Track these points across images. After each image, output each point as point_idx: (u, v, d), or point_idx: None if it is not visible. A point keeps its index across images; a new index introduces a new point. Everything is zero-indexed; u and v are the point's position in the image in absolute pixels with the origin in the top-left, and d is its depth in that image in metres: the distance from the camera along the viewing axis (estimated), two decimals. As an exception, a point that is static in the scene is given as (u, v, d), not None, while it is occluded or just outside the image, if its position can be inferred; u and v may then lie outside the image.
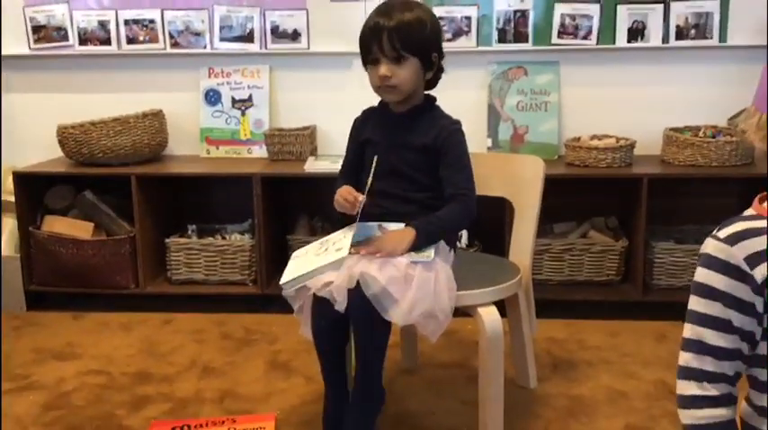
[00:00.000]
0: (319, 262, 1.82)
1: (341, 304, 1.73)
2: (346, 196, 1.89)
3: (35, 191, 3.06)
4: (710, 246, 1.19)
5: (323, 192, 3.08)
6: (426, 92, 1.99)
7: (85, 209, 3.06)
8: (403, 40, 1.83)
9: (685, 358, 1.21)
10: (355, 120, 2.08)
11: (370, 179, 1.85)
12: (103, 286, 3.00)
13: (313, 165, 2.96)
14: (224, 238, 3.08)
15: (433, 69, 1.93)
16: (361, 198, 1.86)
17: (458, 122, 1.98)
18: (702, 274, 1.20)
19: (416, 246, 1.80)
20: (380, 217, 1.93)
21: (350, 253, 1.79)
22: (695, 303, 1.21)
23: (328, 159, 3.02)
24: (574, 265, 2.90)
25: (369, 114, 2.06)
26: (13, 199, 3.03)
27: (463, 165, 1.93)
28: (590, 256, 2.89)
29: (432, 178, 1.92)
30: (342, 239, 1.87)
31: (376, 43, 1.84)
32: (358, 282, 1.71)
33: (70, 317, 2.97)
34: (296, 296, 1.89)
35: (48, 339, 2.75)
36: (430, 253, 1.79)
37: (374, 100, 2.03)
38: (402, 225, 1.86)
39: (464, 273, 1.90)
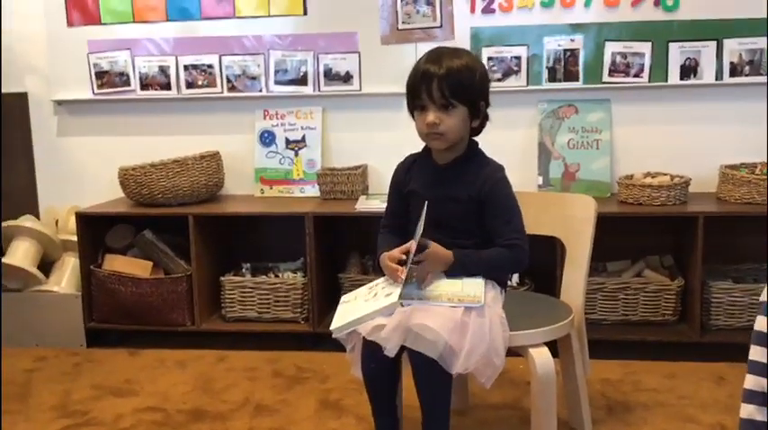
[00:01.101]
0: (369, 308, 1.83)
1: (391, 350, 1.74)
2: (391, 268, 1.88)
3: (97, 230, 3.16)
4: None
5: (374, 231, 3.12)
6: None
7: (144, 248, 3.15)
8: (452, 88, 1.85)
9: (748, 411, 1.18)
10: (397, 169, 2.08)
11: (419, 232, 1.84)
12: (160, 323, 3.07)
13: (364, 204, 3.00)
14: (277, 276, 3.13)
15: (479, 117, 1.94)
16: (402, 269, 1.85)
17: (501, 169, 1.98)
18: (763, 323, 1.17)
19: (449, 272, 1.85)
20: None
21: (400, 303, 1.79)
22: (756, 353, 1.18)
23: (379, 198, 3.05)
24: (628, 305, 2.86)
25: (412, 163, 2.05)
26: (75, 238, 3.14)
27: (511, 215, 1.93)
28: (645, 296, 2.84)
29: (479, 226, 1.93)
30: (390, 285, 1.89)
31: (425, 90, 1.86)
32: (414, 336, 1.72)
33: (128, 353, 3.04)
34: (348, 337, 1.91)
35: (106, 376, 2.82)
36: (480, 297, 1.79)
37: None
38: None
39: (515, 314, 1.90)
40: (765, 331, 1.16)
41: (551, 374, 1.88)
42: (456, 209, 1.92)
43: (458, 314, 1.74)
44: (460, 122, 1.90)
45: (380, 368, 1.84)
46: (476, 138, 2.01)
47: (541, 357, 1.88)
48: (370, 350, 1.83)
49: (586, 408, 2.24)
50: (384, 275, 1.96)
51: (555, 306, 2.12)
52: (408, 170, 2.05)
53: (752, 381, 1.18)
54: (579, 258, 2.12)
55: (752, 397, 1.17)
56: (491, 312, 1.80)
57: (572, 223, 2.16)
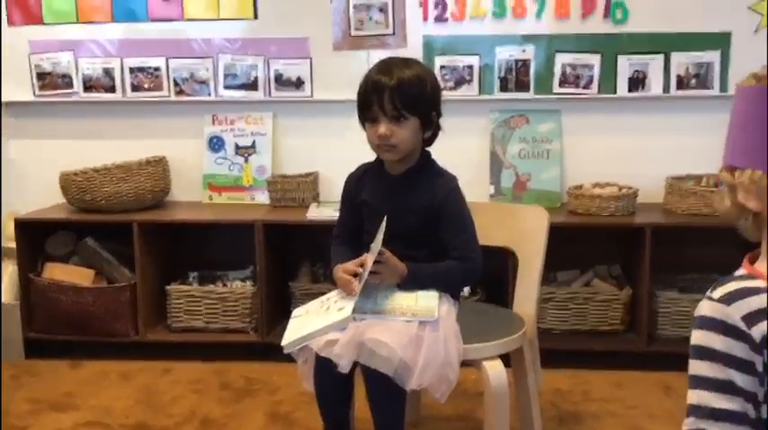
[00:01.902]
0: (321, 322, 1.80)
1: (345, 366, 1.70)
2: (345, 280, 1.86)
3: (36, 237, 3.05)
4: (706, 308, 1.17)
5: (325, 240, 3.07)
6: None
7: (87, 256, 3.05)
8: (404, 100, 1.82)
9: (690, 421, 1.19)
10: (349, 179, 2.05)
11: (377, 246, 1.80)
12: (103, 334, 2.97)
13: (315, 213, 2.96)
14: (225, 285, 3.06)
15: (431, 128, 1.92)
16: (356, 282, 1.83)
17: (454, 180, 1.97)
18: (700, 337, 1.18)
19: (402, 285, 1.83)
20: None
21: (353, 317, 1.76)
22: (696, 367, 1.18)
23: (331, 206, 3.01)
24: (578, 314, 2.88)
25: (363, 173, 2.03)
26: (14, 245, 3.02)
27: (464, 226, 1.92)
28: (594, 305, 2.87)
29: (432, 237, 1.91)
30: (343, 298, 1.85)
31: (376, 101, 1.83)
32: (368, 352, 1.68)
33: (68, 365, 2.94)
34: (300, 351, 1.86)
35: (45, 389, 2.72)
36: (434, 310, 1.77)
37: (376, 147, 2.02)
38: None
39: (469, 326, 1.89)
40: (703, 345, 1.16)
41: (504, 387, 1.87)
42: (409, 220, 1.90)
43: (412, 329, 1.72)
44: (412, 134, 1.87)
45: (333, 383, 1.81)
46: (429, 148, 1.99)
47: (495, 370, 1.86)
48: (323, 365, 1.79)
49: (538, 420, 2.23)
50: (337, 288, 1.93)
51: (508, 317, 2.12)
52: (360, 180, 2.03)
53: (694, 396, 1.18)
54: (532, 269, 2.12)
55: (695, 411, 1.17)
56: (445, 325, 1.78)
57: (524, 234, 2.16)
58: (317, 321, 1.84)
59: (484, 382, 1.88)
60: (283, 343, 1.85)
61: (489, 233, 2.14)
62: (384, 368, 1.67)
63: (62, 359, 2.98)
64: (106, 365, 2.92)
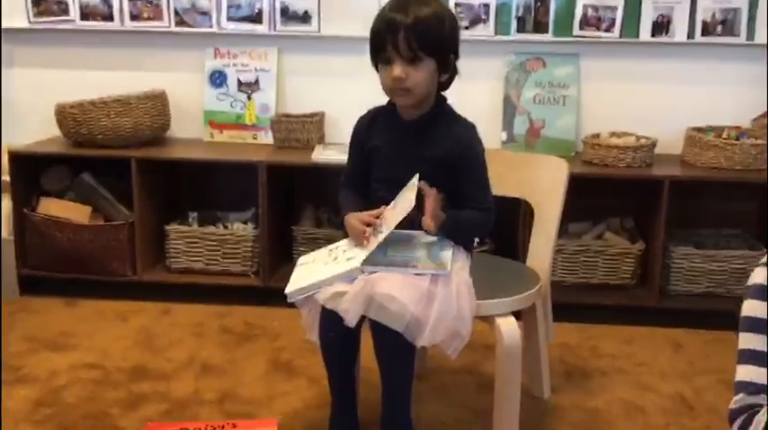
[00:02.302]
0: (328, 272, 1.71)
1: (351, 320, 1.63)
2: (358, 230, 1.77)
3: (31, 171, 2.94)
4: (759, 276, 1.09)
5: (330, 183, 2.98)
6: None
7: (83, 191, 2.95)
8: (420, 40, 1.69)
9: (740, 398, 1.11)
10: (359, 123, 1.93)
11: (406, 203, 1.70)
12: (100, 272, 2.90)
13: (321, 154, 2.85)
14: (226, 227, 2.97)
15: (448, 71, 1.79)
16: (370, 232, 1.75)
17: (473, 128, 1.85)
18: (751, 307, 1.09)
19: (435, 232, 1.74)
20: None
21: (361, 268, 1.67)
22: (746, 340, 1.10)
23: (336, 148, 2.90)
24: (588, 267, 2.80)
25: (374, 117, 1.90)
26: (8, 178, 2.91)
27: (484, 178, 1.82)
28: (605, 259, 2.79)
29: (446, 190, 1.79)
30: (353, 248, 1.76)
31: (391, 42, 1.70)
32: (378, 306, 1.60)
33: (64, 303, 2.86)
34: (304, 301, 1.78)
35: (41, 327, 2.65)
36: (447, 264, 1.68)
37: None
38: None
39: (481, 280, 1.80)
40: (754, 316, 1.08)
41: (518, 345, 1.80)
42: (423, 169, 1.78)
43: (424, 283, 1.64)
44: (428, 76, 1.75)
45: (339, 337, 1.73)
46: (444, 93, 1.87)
47: (508, 327, 1.79)
48: (329, 318, 1.71)
49: (547, 376, 2.19)
50: (346, 236, 1.84)
51: (521, 272, 2.04)
52: (370, 125, 1.91)
53: (743, 372, 1.10)
54: (548, 223, 2.03)
55: (744, 387, 1.09)
56: (458, 280, 1.69)
57: (542, 186, 2.07)
58: (323, 270, 1.76)
59: (496, 339, 1.80)
60: (287, 290, 1.77)
61: (504, 182, 2.04)
62: (394, 324, 1.59)
63: (58, 297, 2.91)
64: (103, 305, 2.85)
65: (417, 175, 1.72)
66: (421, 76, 1.73)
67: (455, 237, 1.78)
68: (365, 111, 1.95)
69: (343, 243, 1.85)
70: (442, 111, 1.85)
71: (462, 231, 1.78)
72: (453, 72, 1.82)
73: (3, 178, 2.98)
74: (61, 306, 2.85)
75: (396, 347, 1.63)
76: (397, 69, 1.72)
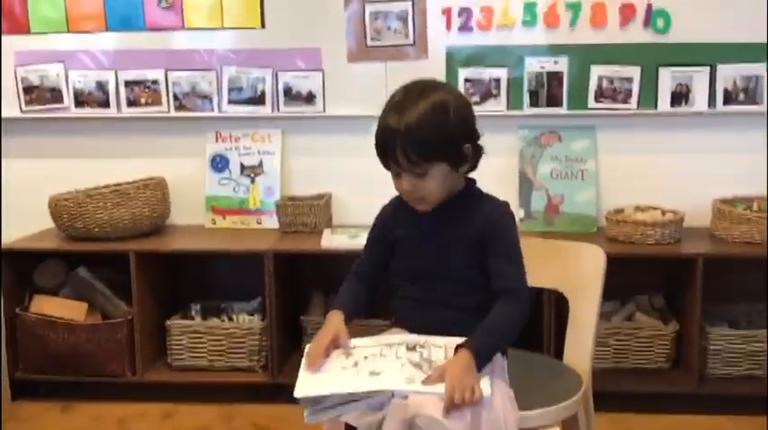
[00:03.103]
0: (349, 383, 1.52)
1: None
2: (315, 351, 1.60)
3: (23, 267, 2.78)
4: None
5: (340, 269, 2.79)
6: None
7: (79, 287, 2.78)
8: (420, 151, 1.53)
9: None
10: (383, 212, 1.77)
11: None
12: (97, 374, 2.71)
13: (330, 241, 2.70)
14: (231, 319, 2.80)
15: (466, 163, 1.62)
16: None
17: (505, 205, 1.70)
18: None
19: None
20: (421, 326, 1.66)
21: (392, 392, 1.49)
22: None
23: (346, 233, 2.76)
24: (619, 352, 2.63)
25: (398, 207, 1.73)
26: (-2, 275, 2.75)
27: (515, 256, 1.64)
28: (637, 342, 2.62)
29: (483, 276, 1.63)
30: (377, 357, 1.58)
31: (390, 157, 1.55)
32: (416, 425, 1.42)
33: (60, 409, 2.67)
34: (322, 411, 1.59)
35: (34, 440, 2.45)
36: (486, 386, 1.49)
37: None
38: (453, 340, 1.57)
39: (519, 385, 1.62)
40: None
41: (565, 460, 1.62)
42: (453, 254, 1.63)
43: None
44: (441, 182, 1.59)
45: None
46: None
47: (555, 441, 1.62)
48: (354, 432, 1.53)
49: (590, 484, 1.98)
50: (357, 336, 1.66)
51: (560, 373, 1.86)
52: (395, 214, 1.75)
53: None
54: (586, 317, 1.87)
55: None
56: (500, 393, 1.52)
57: (578, 277, 1.91)
58: (342, 379, 1.56)
59: (541, 455, 1.63)
60: (297, 393, 1.56)
61: (537, 272, 1.87)
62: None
63: (52, 401, 2.71)
64: (101, 409, 2.66)
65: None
66: (431, 185, 1.59)
67: (496, 352, 1.59)
68: (373, 192, 1.79)
69: (363, 343, 1.66)
70: (471, 193, 1.70)
71: (504, 340, 1.60)
72: (475, 158, 1.67)
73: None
74: (56, 412, 2.65)
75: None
76: (405, 183, 1.59)
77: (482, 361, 1.50)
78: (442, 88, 1.61)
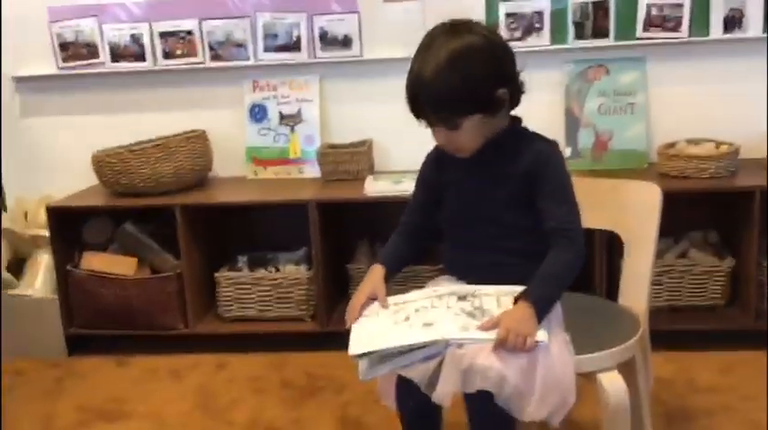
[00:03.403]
0: (404, 337, 1.49)
1: (445, 399, 1.42)
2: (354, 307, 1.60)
3: (71, 224, 2.80)
4: None
5: (385, 216, 2.76)
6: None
7: (127, 243, 2.80)
8: (446, 106, 1.47)
9: None
10: (428, 158, 1.72)
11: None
12: (149, 327, 2.74)
13: (373, 187, 2.66)
14: (277, 270, 2.80)
15: (503, 106, 1.54)
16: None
17: (555, 144, 1.63)
18: None
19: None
20: (468, 273, 1.63)
21: (446, 341, 1.46)
22: None
23: (389, 178, 2.72)
24: (673, 289, 2.57)
25: (442, 151, 1.66)
26: (46, 233, 2.78)
27: (566, 196, 1.58)
28: (692, 279, 2.56)
29: (531, 218, 1.58)
30: (428, 309, 1.55)
31: (419, 113, 1.51)
32: (477, 379, 1.40)
33: (115, 363, 2.72)
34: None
35: (92, 393, 2.50)
36: (544, 333, 1.46)
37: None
38: (503, 288, 1.54)
39: (575, 328, 1.58)
40: None
41: (625, 403, 1.59)
42: (500, 194, 1.58)
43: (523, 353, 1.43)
44: (475, 131, 1.53)
45: (421, 406, 1.53)
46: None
47: (614, 385, 1.58)
48: (408, 385, 1.52)
49: (648, 424, 1.95)
50: (413, 287, 1.64)
51: (617, 315, 1.82)
52: (439, 159, 1.70)
53: None
54: (642, 258, 1.81)
55: None
56: (556, 340, 1.48)
57: (633, 216, 1.84)
58: (395, 333, 1.54)
59: (600, 398, 1.60)
60: (352, 351, 1.55)
61: (589, 213, 1.82)
62: (497, 396, 1.39)
63: (108, 355, 2.76)
64: (155, 361, 2.70)
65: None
66: (466, 137, 1.53)
67: (556, 302, 1.55)
68: (414, 137, 1.69)
69: (413, 296, 1.64)
70: (516, 133, 1.63)
71: (559, 289, 1.54)
72: (514, 100, 1.58)
73: (38, 233, 2.85)
74: (112, 366, 2.70)
75: (495, 423, 1.43)
76: (438, 136, 1.55)
77: (542, 311, 1.46)
78: (469, 30, 1.51)
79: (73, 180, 2.95)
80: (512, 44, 1.59)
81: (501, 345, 1.41)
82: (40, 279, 2.83)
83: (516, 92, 1.57)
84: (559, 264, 1.53)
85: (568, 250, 1.54)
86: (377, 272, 1.67)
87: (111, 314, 2.74)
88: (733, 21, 2.65)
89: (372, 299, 1.63)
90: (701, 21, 2.65)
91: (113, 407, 2.40)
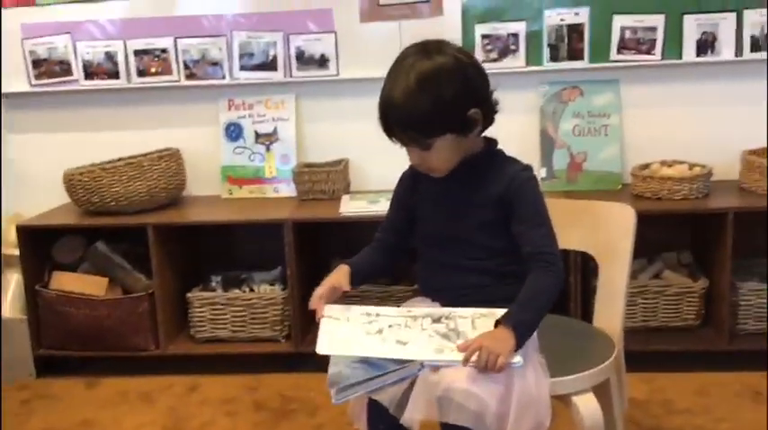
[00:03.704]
0: (376, 349, 1.47)
1: (415, 425, 1.40)
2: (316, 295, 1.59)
3: (42, 243, 2.75)
4: None
5: (360, 235, 2.75)
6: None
7: (98, 262, 2.76)
8: (417, 127, 1.47)
9: None
10: (403, 176, 1.72)
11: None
12: (120, 348, 2.70)
13: (349, 207, 2.65)
14: (252, 290, 2.77)
15: (476, 126, 1.53)
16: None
17: (529, 168, 1.63)
18: None
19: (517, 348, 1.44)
20: (441, 293, 1.62)
21: (421, 363, 1.44)
22: None
23: (365, 198, 2.71)
24: (647, 310, 2.58)
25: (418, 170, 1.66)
26: (16, 252, 2.73)
27: (542, 220, 1.58)
28: (666, 299, 2.56)
29: (505, 239, 1.58)
30: (401, 327, 1.53)
31: (391, 133, 1.51)
32: (454, 407, 1.38)
33: (84, 384, 2.67)
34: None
35: (61, 415, 2.45)
36: (519, 357, 1.44)
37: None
38: (479, 311, 1.53)
39: (549, 349, 1.58)
40: None
41: (600, 425, 1.58)
42: (474, 216, 1.58)
43: (500, 374, 1.41)
44: (449, 152, 1.53)
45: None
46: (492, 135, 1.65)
47: (589, 407, 1.57)
48: (379, 408, 1.50)
49: (624, 448, 1.95)
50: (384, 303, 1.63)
51: (591, 337, 1.81)
52: (415, 178, 1.69)
53: None
54: (617, 279, 1.81)
55: None
56: (532, 363, 1.47)
57: (607, 237, 1.84)
58: (366, 342, 1.51)
59: (575, 421, 1.59)
60: (319, 349, 1.51)
61: (564, 234, 1.82)
62: (475, 424, 1.37)
63: (77, 377, 2.71)
64: (125, 383, 2.65)
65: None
66: (440, 157, 1.53)
67: (534, 329, 1.53)
68: (390, 156, 1.70)
69: (386, 312, 1.62)
70: (491, 155, 1.63)
71: (539, 313, 1.51)
72: (488, 116, 1.56)
73: (8, 252, 2.80)
74: (81, 388, 2.65)
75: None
76: (412, 157, 1.55)
77: (521, 337, 1.44)
78: (439, 51, 1.50)
79: (44, 198, 2.90)
80: (487, 65, 1.59)
81: (473, 362, 1.39)
82: (9, 299, 2.78)
83: (489, 111, 1.56)
84: (539, 289, 1.52)
85: (548, 274, 1.53)
86: (342, 268, 1.66)
87: (82, 335, 2.69)
88: (705, 44, 2.68)
89: (334, 291, 1.61)
90: (674, 44, 2.68)
91: (82, 431, 2.35)
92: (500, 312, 1.48)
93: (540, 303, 1.51)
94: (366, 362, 1.48)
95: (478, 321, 1.51)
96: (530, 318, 1.48)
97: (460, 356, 1.42)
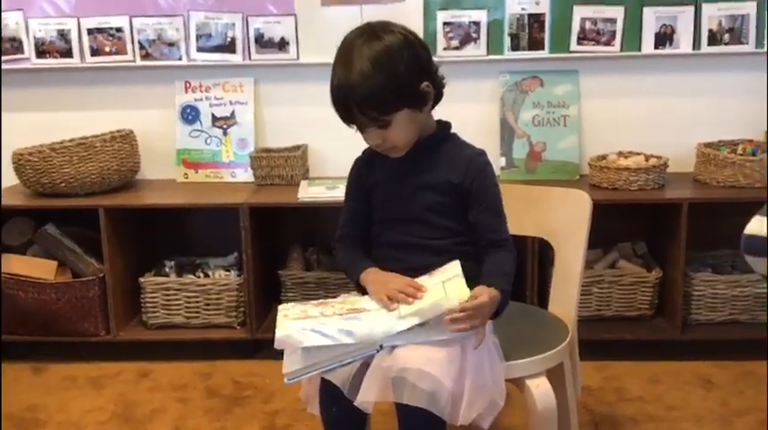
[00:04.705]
0: (333, 324, 1.45)
1: (369, 407, 1.39)
2: (403, 289, 1.51)
3: (-12, 225, 2.68)
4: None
5: (318, 222, 2.75)
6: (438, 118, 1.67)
7: (47, 245, 2.69)
8: (376, 105, 1.48)
9: None
10: (356, 163, 1.72)
11: (459, 290, 1.48)
12: (70, 333, 2.63)
13: (307, 192, 2.62)
14: (206, 275, 2.72)
15: (429, 99, 1.56)
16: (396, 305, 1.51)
17: (483, 153, 1.66)
18: None
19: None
20: (396, 271, 1.60)
21: (380, 345, 1.43)
22: None
23: (323, 184, 2.68)
24: (602, 299, 2.59)
25: (373, 154, 1.67)
26: (-37, 234, 2.65)
27: (499, 207, 1.63)
28: (620, 289, 2.59)
29: (459, 220, 1.60)
30: (357, 312, 1.51)
31: (349, 116, 1.51)
32: (409, 387, 1.37)
33: (31, 370, 2.59)
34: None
35: (7, 401, 2.37)
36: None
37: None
38: (444, 274, 1.53)
39: (504, 333, 1.58)
40: None
41: (553, 409, 1.58)
42: (429, 198, 1.60)
43: (454, 350, 1.41)
44: (407, 126, 1.55)
45: (345, 412, 1.50)
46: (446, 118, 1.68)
47: (541, 391, 1.57)
48: (331, 390, 1.49)
49: (576, 431, 1.96)
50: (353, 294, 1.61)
51: (546, 322, 1.82)
52: (369, 162, 1.69)
53: None
54: (572, 265, 1.81)
55: None
56: (486, 344, 1.47)
57: (563, 224, 1.85)
58: (326, 320, 1.50)
59: (528, 404, 1.59)
60: (279, 343, 1.49)
61: (520, 221, 1.82)
62: (430, 405, 1.36)
63: (24, 362, 2.64)
64: (74, 369, 2.59)
65: (458, 262, 1.52)
66: (399, 132, 1.54)
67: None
68: (350, 143, 1.67)
69: (339, 301, 1.60)
70: (447, 136, 1.66)
71: (510, 289, 1.55)
72: (438, 90, 1.59)
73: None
74: (28, 373, 2.58)
75: (426, 427, 1.40)
76: (372, 137, 1.55)
77: (503, 304, 1.50)
78: (386, 30, 1.53)
79: (-8, 179, 2.82)
80: (449, 53, 1.59)
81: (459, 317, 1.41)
82: (-48, 282, 2.69)
83: (438, 85, 1.60)
84: (506, 263, 1.56)
85: (509, 254, 1.59)
86: (373, 269, 1.62)
87: (30, 319, 2.62)
88: (664, 37, 2.70)
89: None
90: (633, 36, 2.70)
91: (29, 416, 2.28)
92: (453, 270, 1.51)
93: (511, 279, 1.55)
94: (318, 331, 1.45)
95: (449, 284, 1.50)
96: (508, 287, 1.52)
97: (417, 320, 1.43)
